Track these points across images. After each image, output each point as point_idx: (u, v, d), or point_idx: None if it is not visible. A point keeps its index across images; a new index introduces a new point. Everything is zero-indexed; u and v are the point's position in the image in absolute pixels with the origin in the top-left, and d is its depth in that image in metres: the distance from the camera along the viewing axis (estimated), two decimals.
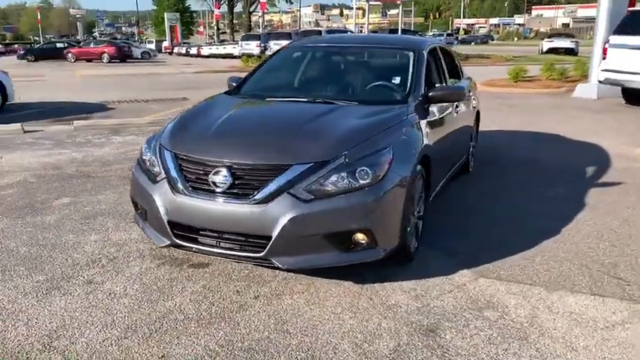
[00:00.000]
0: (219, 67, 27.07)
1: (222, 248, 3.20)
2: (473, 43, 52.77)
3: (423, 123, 3.92)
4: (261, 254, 3.07)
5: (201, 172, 3.20)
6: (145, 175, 3.47)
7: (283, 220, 2.99)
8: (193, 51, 44.68)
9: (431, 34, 76.51)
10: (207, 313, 3.02)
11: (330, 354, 2.66)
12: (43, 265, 3.61)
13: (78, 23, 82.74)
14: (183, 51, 47.15)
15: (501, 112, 10.91)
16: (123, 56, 35.01)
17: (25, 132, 8.58)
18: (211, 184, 3.13)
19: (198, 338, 2.76)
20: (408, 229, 3.50)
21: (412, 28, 72.23)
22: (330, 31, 27.24)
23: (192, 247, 3.27)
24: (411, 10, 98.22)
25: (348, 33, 28.37)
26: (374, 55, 4.81)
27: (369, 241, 3.16)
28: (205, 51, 42.55)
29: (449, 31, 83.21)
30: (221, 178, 3.11)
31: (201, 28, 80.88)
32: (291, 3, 71.07)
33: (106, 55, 34.48)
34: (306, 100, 4.05)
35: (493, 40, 78.59)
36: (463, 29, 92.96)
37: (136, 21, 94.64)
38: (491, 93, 14.15)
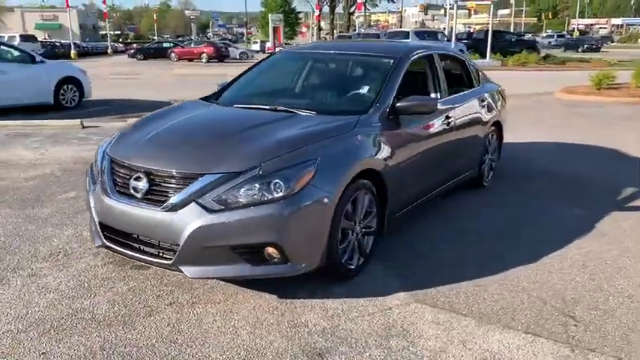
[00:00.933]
0: None
1: (144, 254, 3.25)
2: (580, 49, 45.85)
3: (384, 135, 3.74)
4: (171, 262, 3.09)
5: (127, 176, 3.28)
6: (90, 177, 3.63)
7: (189, 229, 2.99)
8: None
9: (544, 35, 72.35)
10: (115, 315, 3.09)
11: None
12: (5, 256, 3.88)
13: (192, 24, 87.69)
14: None
15: (561, 122, 10.14)
16: (221, 56, 36.58)
17: (83, 127, 9.24)
18: (132, 189, 3.20)
19: (88, 339, 2.84)
20: (342, 246, 3.37)
21: (522, 29, 68.78)
22: (417, 32, 26.79)
23: (119, 250, 3.36)
24: (522, 10, 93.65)
25: (439, 35, 27.71)
26: (353, 63, 4.64)
27: (281, 257, 3.08)
28: None
29: (562, 32, 78.24)
30: (140, 183, 3.17)
31: (304, 29, 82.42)
32: (393, 2, 70.52)
33: (204, 55, 36.23)
34: (267, 107, 4.01)
35: (613, 42, 72.39)
36: (579, 30, 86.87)
37: (244, 22, 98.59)
38: (565, 101, 13.18)
